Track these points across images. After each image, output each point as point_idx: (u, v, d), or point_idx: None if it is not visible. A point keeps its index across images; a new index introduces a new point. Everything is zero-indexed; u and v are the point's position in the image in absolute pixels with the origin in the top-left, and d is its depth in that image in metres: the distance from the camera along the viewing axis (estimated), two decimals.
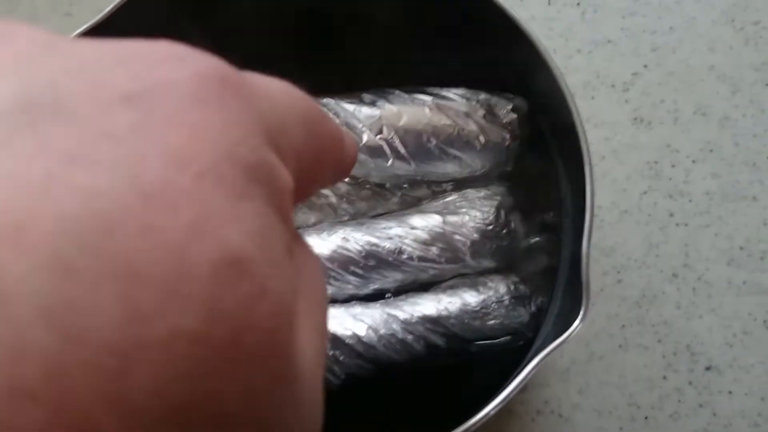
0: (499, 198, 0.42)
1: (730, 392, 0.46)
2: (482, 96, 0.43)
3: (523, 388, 0.36)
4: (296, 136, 0.14)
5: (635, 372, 0.47)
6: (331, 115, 0.43)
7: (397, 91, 0.44)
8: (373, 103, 0.43)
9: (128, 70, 0.11)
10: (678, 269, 0.48)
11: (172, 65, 0.12)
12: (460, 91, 0.44)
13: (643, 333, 0.47)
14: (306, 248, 0.15)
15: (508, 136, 0.42)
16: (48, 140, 0.10)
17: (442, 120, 0.42)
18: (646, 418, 0.46)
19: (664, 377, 0.47)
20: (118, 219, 0.09)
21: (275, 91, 0.14)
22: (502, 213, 0.41)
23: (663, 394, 0.46)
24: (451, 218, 0.41)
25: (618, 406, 0.46)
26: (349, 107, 0.43)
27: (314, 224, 0.44)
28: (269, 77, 0.14)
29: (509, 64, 0.42)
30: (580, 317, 0.35)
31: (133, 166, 0.10)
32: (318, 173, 0.16)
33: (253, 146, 0.12)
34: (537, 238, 0.43)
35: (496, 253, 0.41)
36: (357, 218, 0.44)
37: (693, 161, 0.50)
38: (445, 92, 0.44)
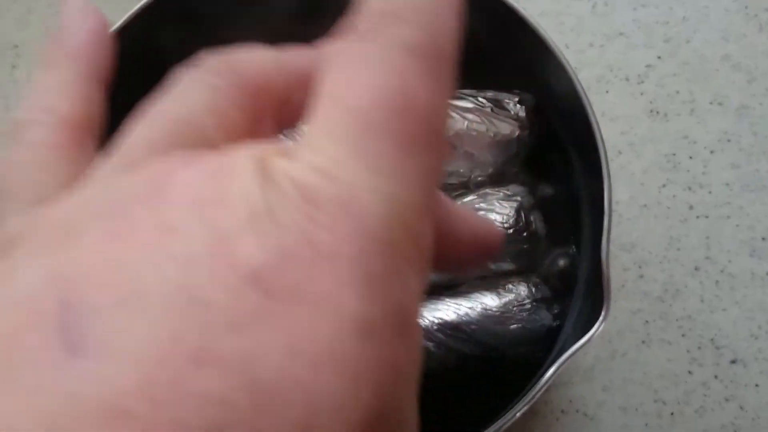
0: (519, 198, 0.41)
1: (756, 385, 0.46)
2: (489, 93, 0.43)
3: (547, 388, 0.36)
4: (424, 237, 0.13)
5: (660, 367, 0.46)
6: None
7: None
8: None
9: (257, 236, 0.11)
10: (700, 262, 0.48)
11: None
12: (468, 90, 0.44)
13: (666, 328, 0.47)
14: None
15: (517, 126, 0.42)
16: (182, 333, 0.10)
17: (450, 117, 0.42)
18: (672, 413, 0.46)
19: (689, 372, 0.46)
20: (228, 426, 0.10)
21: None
22: (523, 214, 0.41)
23: (688, 389, 0.46)
24: None
25: (643, 403, 0.46)
26: None
27: None
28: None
29: (520, 63, 0.42)
30: (601, 319, 0.35)
31: (252, 362, 0.10)
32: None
33: (389, 299, 0.11)
34: (556, 238, 0.42)
35: (517, 255, 0.41)
36: None
37: (711, 152, 0.50)
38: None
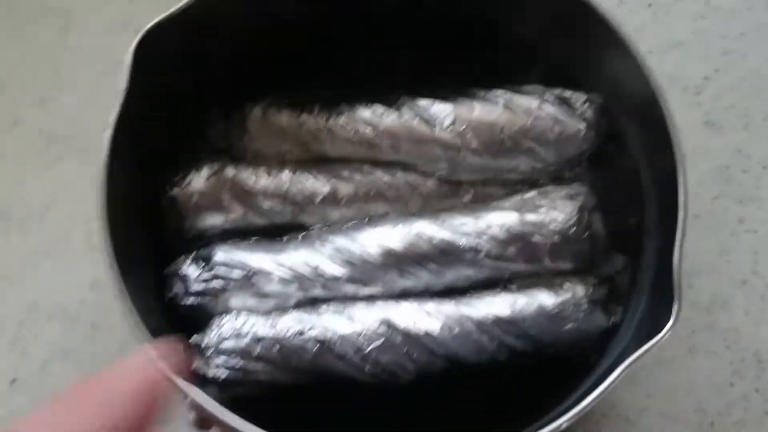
0: (581, 197, 0.41)
1: None
2: (556, 90, 0.43)
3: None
4: None
5: (703, 377, 0.46)
6: (406, 110, 0.43)
7: (471, 89, 0.44)
8: (446, 98, 0.43)
9: None
10: (747, 276, 0.48)
11: None
12: (535, 86, 0.43)
13: (711, 339, 0.47)
14: None
15: (583, 126, 0.41)
16: None
17: (515, 111, 0.41)
18: (712, 424, 0.46)
19: (731, 384, 0.46)
20: None
21: None
22: (585, 214, 0.40)
23: (730, 400, 0.46)
24: (530, 217, 0.41)
25: (685, 411, 0.46)
26: (424, 102, 0.43)
27: (384, 214, 0.43)
28: None
29: (590, 59, 0.42)
30: (672, 319, 0.34)
31: None
32: None
33: None
34: (615, 240, 0.42)
35: (576, 255, 0.40)
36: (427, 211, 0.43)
37: (764, 167, 0.50)
38: (518, 88, 0.43)
